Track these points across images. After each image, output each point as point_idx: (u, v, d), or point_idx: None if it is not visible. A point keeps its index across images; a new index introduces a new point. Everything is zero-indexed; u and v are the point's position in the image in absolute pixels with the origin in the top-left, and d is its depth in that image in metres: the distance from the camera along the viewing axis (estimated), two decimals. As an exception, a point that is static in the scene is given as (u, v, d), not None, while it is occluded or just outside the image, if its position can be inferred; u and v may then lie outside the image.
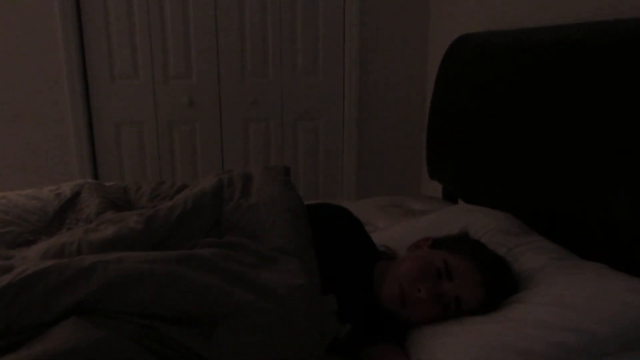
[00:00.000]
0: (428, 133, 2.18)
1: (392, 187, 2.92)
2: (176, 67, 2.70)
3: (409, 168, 2.97)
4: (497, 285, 1.09)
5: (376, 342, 1.10)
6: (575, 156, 1.29)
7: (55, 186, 1.59)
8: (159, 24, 2.64)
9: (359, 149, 2.91)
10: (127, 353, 0.85)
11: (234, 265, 1.01)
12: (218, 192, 1.28)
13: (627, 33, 1.18)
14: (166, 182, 1.62)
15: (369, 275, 1.19)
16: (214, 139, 2.82)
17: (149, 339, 0.88)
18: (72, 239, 1.11)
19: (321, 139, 2.91)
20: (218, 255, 1.02)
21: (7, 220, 1.39)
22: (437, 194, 2.34)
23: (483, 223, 1.37)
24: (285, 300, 0.96)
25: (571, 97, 1.30)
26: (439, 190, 2.31)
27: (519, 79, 1.53)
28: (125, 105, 2.72)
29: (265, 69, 2.77)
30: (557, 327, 0.94)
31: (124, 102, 2.71)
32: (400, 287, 1.09)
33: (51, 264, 0.93)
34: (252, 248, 1.09)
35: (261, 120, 2.84)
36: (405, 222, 1.65)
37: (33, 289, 0.89)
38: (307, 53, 2.78)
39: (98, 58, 2.64)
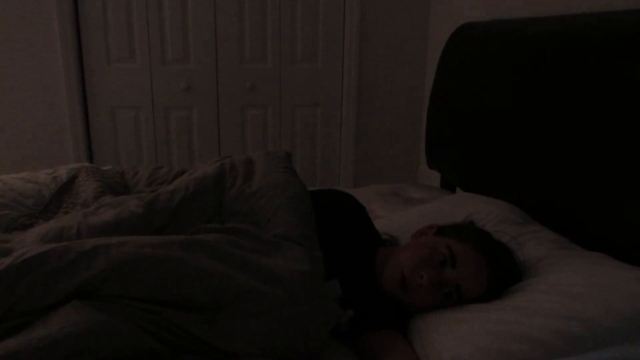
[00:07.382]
0: (428, 122, 2.17)
1: (389, 175, 2.92)
2: (173, 51, 2.67)
3: (406, 156, 2.96)
4: (501, 273, 1.09)
5: (378, 329, 1.09)
6: (576, 148, 1.28)
7: (51, 169, 1.57)
8: (157, 6, 2.60)
9: (357, 136, 2.90)
10: (129, 337, 0.84)
11: (237, 251, 1.00)
12: (220, 178, 1.26)
13: (635, 23, 1.17)
14: (163, 167, 1.60)
15: (371, 261, 1.18)
16: (211, 125, 2.80)
17: (151, 324, 0.87)
18: (70, 223, 1.09)
19: (319, 126, 2.90)
20: (221, 240, 1.01)
21: (3, 204, 1.37)
22: (434, 183, 2.34)
23: (486, 211, 1.37)
24: (289, 286, 0.95)
25: (574, 88, 1.29)
26: (436, 179, 2.31)
27: (521, 69, 1.51)
28: (122, 90, 2.69)
29: (263, 55, 2.74)
30: (561, 315, 0.93)
31: (120, 86, 2.68)
32: (401, 272, 1.08)
33: (52, 247, 0.91)
34: (256, 234, 1.08)
35: (259, 106, 2.82)
36: (406, 210, 1.65)
37: (34, 272, 0.87)
38: (306, 40, 2.75)
39: (94, 41, 2.60)
